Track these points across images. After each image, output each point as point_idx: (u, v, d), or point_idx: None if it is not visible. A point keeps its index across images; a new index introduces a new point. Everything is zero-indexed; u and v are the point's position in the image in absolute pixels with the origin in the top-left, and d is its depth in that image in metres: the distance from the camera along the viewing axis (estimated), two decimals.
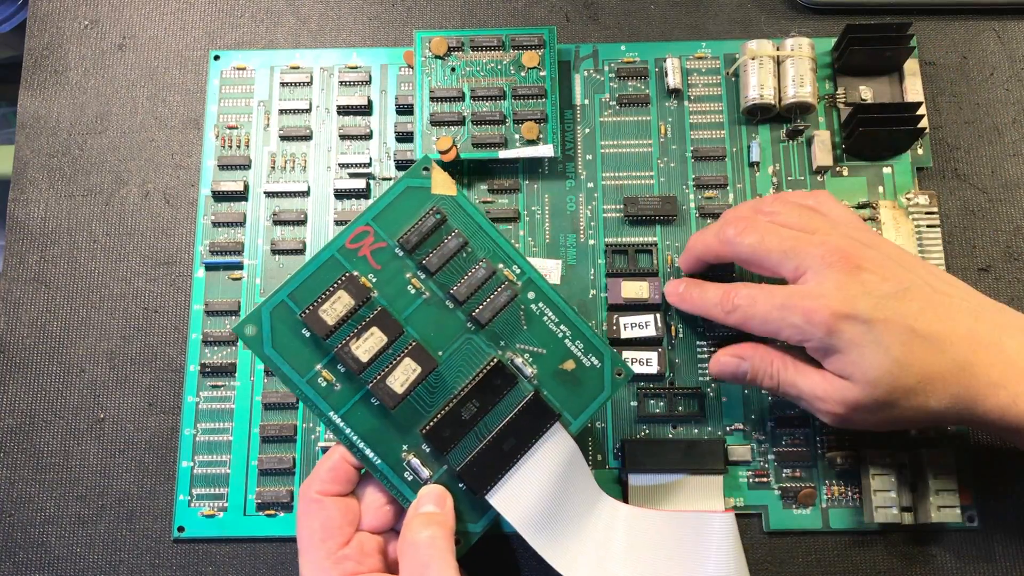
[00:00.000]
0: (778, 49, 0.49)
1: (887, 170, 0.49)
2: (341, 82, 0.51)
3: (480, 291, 0.40)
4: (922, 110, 0.48)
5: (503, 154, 0.48)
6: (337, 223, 0.49)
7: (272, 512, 0.45)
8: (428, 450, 0.40)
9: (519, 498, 0.39)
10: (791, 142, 0.50)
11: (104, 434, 0.47)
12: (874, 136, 0.48)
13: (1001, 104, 0.51)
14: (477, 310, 0.40)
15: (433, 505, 0.38)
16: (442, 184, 0.41)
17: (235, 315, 0.48)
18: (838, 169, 0.49)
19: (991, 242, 0.49)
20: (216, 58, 0.51)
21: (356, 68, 0.51)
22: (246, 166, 0.50)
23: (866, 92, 0.50)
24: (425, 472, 0.39)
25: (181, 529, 0.45)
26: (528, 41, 0.49)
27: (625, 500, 0.44)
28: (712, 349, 0.46)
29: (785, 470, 0.45)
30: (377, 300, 0.40)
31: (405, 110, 0.50)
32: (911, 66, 0.50)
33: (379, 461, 0.39)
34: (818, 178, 0.49)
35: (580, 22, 0.53)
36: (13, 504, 0.46)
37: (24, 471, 0.46)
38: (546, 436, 0.39)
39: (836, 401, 0.39)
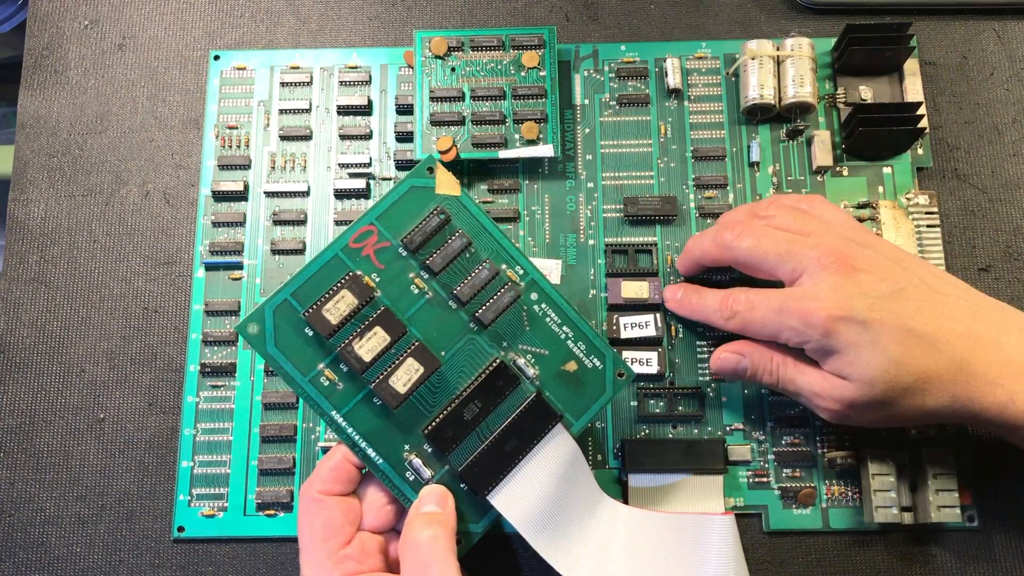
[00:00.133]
0: (778, 49, 0.49)
1: (887, 170, 0.49)
2: (341, 82, 0.51)
3: (483, 292, 0.40)
4: (922, 110, 0.48)
5: (503, 154, 0.48)
6: (337, 223, 0.49)
7: (272, 512, 0.45)
8: (430, 450, 0.40)
9: (520, 499, 0.39)
10: (791, 142, 0.50)
11: (104, 434, 0.46)
12: (874, 136, 0.48)
13: (1001, 104, 0.51)
14: (480, 311, 0.40)
15: (435, 505, 0.38)
16: (446, 184, 0.41)
17: (235, 315, 0.48)
18: (838, 169, 0.49)
19: (991, 242, 0.49)
20: (216, 58, 0.51)
21: (356, 68, 0.51)
22: (246, 166, 0.50)
23: (866, 92, 0.50)
24: (427, 472, 0.39)
25: (181, 529, 0.45)
26: (528, 41, 0.49)
27: (625, 500, 0.44)
28: (712, 349, 0.46)
29: (785, 470, 0.45)
30: (380, 300, 0.40)
31: (405, 110, 0.50)
32: (911, 66, 0.50)
33: (381, 461, 0.39)
34: (818, 178, 0.49)
35: (580, 22, 0.53)
36: (13, 504, 0.46)
37: (24, 471, 0.46)
38: (548, 437, 0.39)
39: (834, 399, 0.39)
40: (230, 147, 0.50)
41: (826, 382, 0.40)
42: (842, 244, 0.40)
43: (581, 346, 0.41)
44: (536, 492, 0.39)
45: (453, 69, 0.49)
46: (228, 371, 0.47)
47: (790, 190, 0.49)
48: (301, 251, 0.48)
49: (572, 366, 0.41)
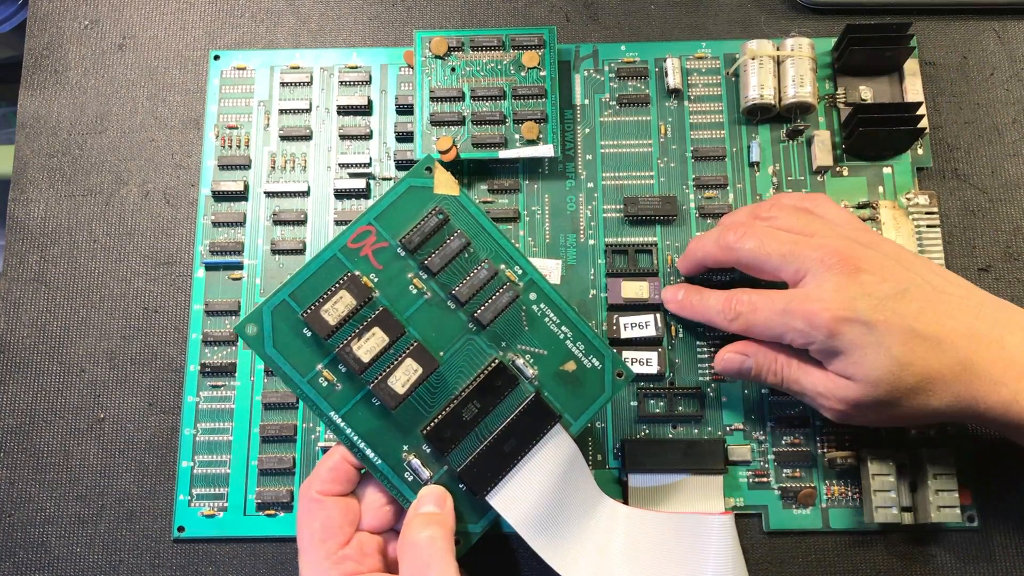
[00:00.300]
0: (778, 49, 0.49)
1: (887, 170, 0.49)
2: (341, 82, 0.51)
3: (482, 292, 0.40)
4: (922, 110, 0.48)
5: (503, 154, 0.48)
6: (337, 223, 0.49)
7: (272, 512, 0.45)
8: (429, 451, 0.40)
9: (519, 499, 0.39)
10: (791, 142, 0.50)
11: (104, 434, 0.47)
12: (874, 136, 0.48)
13: (1001, 104, 0.51)
14: (479, 311, 0.40)
15: (433, 505, 0.38)
16: (445, 184, 0.41)
17: (235, 315, 0.48)
18: (838, 169, 0.49)
19: (991, 242, 0.49)
20: (216, 58, 0.51)
21: (356, 68, 0.51)
22: (246, 166, 0.50)
23: (866, 92, 0.50)
24: (425, 473, 0.39)
25: (181, 529, 0.45)
26: (528, 41, 0.49)
27: (625, 500, 0.44)
28: (712, 349, 0.46)
29: (785, 470, 0.45)
30: (379, 300, 0.40)
31: (405, 110, 0.50)
32: (911, 66, 0.50)
33: (380, 461, 0.39)
34: (818, 178, 0.49)
35: (580, 22, 0.53)
36: (13, 504, 0.46)
37: (24, 471, 0.46)
38: (547, 437, 0.39)
39: (838, 399, 0.39)
40: (230, 147, 0.50)
41: (830, 382, 0.40)
42: (845, 245, 0.40)
43: (580, 346, 0.41)
44: (535, 492, 0.39)
45: (453, 69, 0.49)
46: (228, 371, 0.47)
47: (790, 190, 0.49)
48: (301, 251, 0.48)
49: (571, 366, 0.41)
